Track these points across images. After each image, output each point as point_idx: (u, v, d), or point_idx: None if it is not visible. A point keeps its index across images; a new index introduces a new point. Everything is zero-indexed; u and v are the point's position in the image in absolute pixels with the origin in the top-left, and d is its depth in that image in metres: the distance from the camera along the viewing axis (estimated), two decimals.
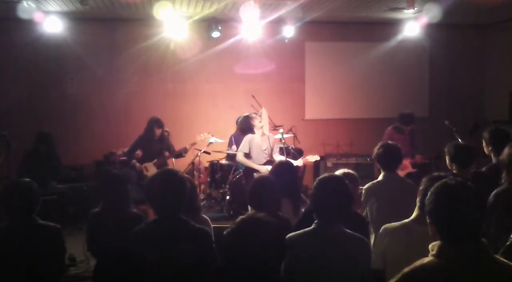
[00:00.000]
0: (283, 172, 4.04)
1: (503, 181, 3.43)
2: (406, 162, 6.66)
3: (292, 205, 3.90)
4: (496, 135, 4.28)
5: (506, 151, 3.50)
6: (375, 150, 4.13)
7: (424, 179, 2.83)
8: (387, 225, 2.77)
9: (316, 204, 2.69)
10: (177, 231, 2.69)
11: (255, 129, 6.50)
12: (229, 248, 1.97)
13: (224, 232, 2.05)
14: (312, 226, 2.63)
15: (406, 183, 4.07)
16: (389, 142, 4.28)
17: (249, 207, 3.56)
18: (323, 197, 2.65)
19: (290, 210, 3.84)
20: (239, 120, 7.26)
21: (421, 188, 2.77)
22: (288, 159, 6.25)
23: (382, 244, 2.73)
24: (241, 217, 2.06)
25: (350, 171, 3.74)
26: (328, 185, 2.68)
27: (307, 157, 6.57)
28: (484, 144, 4.40)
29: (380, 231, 2.80)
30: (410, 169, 6.84)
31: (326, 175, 2.81)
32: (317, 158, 6.60)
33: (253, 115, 6.66)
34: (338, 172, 3.64)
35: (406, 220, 2.76)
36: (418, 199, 2.77)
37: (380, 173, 4.12)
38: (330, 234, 2.59)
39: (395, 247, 2.66)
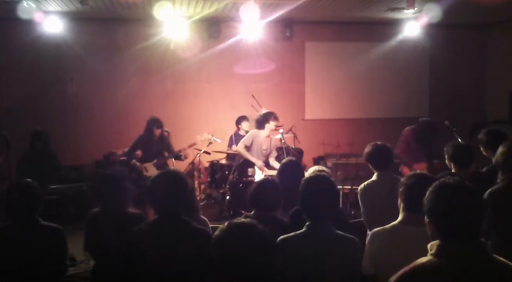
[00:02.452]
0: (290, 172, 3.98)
1: (499, 180, 3.42)
2: (422, 166, 6.18)
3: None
4: (493, 137, 4.24)
5: (499, 150, 3.48)
6: (365, 151, 4.12)
7: (402, 179, 2.80)
8: (375, 229, 2.73)
9: (304, 204, 2.69)
10: (178, 231, 2.70)
11: (266, 126, 6.49)
12: (217, 255, 1.96)
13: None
14: (304, 228, 2.64)
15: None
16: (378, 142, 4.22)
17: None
18: (310, 197, 2.66)
19: None
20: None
21: (401, 188, 2.72)
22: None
23: (372, 248, 2.69)
24: (225, 223, 2.03)
25: (323, 168, 3.76)
26: (314, 185, 2.68)
27: None
28: (482, 147, 4.35)
29: (369, 235, 2.77)
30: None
31: (312, 174, 2.80)
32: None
33: (275, 117, 6.54)
34: (312, 169, 3.69)
35: (394, 222, 2.72)
36: (400, 199, 2.72)
37: None
38: (321, 235, 2.59)
39: (386, 250, 2.62)
